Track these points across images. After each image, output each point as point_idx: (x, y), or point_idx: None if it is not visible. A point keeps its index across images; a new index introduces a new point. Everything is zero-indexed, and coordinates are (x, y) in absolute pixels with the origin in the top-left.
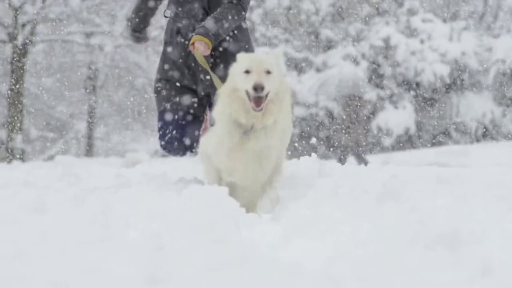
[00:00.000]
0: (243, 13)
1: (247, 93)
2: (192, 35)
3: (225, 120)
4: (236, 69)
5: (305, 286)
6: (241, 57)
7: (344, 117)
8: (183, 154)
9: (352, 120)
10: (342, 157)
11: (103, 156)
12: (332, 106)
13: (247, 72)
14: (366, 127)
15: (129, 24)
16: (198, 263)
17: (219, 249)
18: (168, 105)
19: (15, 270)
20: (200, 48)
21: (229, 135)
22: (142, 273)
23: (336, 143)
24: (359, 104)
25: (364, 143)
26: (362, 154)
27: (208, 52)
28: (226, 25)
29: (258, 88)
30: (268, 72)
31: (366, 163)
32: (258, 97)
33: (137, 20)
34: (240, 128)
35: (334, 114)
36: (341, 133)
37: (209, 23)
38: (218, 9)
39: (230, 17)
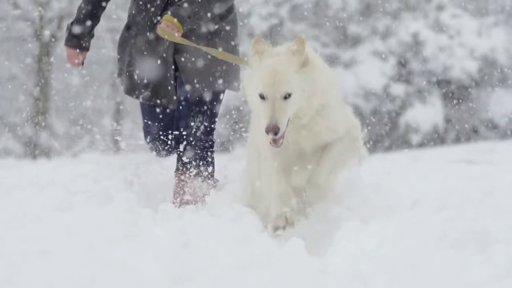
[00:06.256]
0: None
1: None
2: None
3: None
4: (252, 89)
5: (331, 285)
6: (257, 75)
7: None
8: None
9: None
10: None
11: (129, 153)
12: None
13: (261, 97)
14: None
15: (72, 23)
16: (223, 262)
17: (244, 247)
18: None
19: (42, 268)
20: (166, 29)
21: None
22: (168, 271)
23: None
24: None
25: None
26: None
27: (173, 39)
28: (208, 5)
29: (269, 132)
30: (287, 96)
31: None
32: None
33: (83, 13)
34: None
35: None
36: None
37: (186, 3)
38: None
39: None
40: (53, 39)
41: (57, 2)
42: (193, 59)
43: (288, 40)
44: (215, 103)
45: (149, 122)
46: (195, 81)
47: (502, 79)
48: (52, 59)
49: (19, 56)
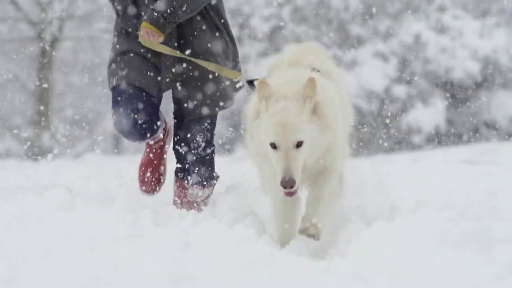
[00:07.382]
0: None
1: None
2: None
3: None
4: (261, 137)
5: (332, 285)
6: (266, 124)
7: None
8: (141, 139)
9: None
10: None
11: (131, 154)
12: None
13: (272, 146)
14: None
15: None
16: (223, 262)
17: (245, 247)
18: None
19: (43, 268)
20: (147, 37)
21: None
22: (168, 271)
23: None
24: None
25: None
26: None
27: (156, 40)
28: (186, 3)
29: (286, 187)
30: (299, 144)
31: None
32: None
33: None
34: None
35: None
36: None
37: (161, 4)
38: None
39: None
40: (54, 41)
41: (58, 3)
42: (195, 76)
43: (290, 42)
44: (213, 117)
45: (131, 105)
46: (198, 99)
47: (504, 80)
48: (53, 60)
49: (20, 57)
